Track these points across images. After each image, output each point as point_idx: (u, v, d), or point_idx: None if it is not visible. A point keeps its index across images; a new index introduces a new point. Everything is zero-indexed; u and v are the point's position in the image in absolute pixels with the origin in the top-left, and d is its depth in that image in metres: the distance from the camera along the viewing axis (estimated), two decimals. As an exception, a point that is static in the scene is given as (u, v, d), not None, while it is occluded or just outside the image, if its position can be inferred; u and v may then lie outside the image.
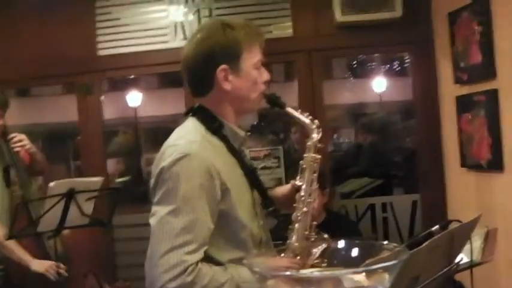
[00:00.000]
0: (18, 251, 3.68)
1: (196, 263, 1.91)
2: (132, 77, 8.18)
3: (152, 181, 2.02)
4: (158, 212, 1.94)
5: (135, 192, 8.29)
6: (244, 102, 2.12)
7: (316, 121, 2.18)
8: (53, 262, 3.63)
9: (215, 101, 2.11)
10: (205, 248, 1.95)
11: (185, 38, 4.85)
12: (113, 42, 5.02)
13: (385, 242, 0.84)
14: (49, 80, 5.33)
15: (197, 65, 2.07)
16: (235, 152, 2.12)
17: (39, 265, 3.69)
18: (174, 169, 1.93)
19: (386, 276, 0.74)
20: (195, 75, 2.11)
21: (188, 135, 2.04)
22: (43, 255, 3.71)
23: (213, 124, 2.10)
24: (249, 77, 2.09)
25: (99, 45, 5.02)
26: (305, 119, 2.17)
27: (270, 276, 0.77)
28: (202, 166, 1.94)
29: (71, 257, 3.92)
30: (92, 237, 4.11)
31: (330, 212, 4.17)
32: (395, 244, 0.82)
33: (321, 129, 2.18)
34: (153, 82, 12.54)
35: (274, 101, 2.18)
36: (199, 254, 1.93)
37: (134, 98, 11.82)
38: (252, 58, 2.09)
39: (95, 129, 5.09)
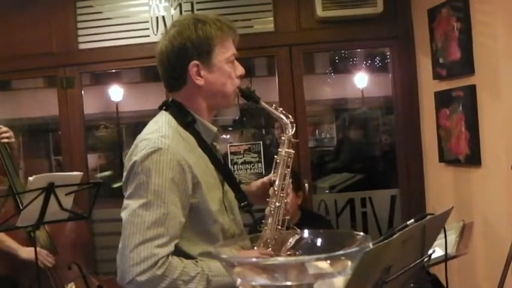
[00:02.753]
0: (6, 240, 3.70)
1: (167, 256, 1.92)
2: (114, 71, 8.14)
3: (124, 174, 2.04)
4: (130, 206, 1.95)
5: (116, 187, 8.28)
6: (217, 97, 2.14)
7: (290, 116, 2.20)
8: (41, 249, 3.63)
9: (188, 96, 2.12)
10: (176, 241, 1.96)
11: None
12: (94, 36, 5.00)
13: (348, 231, 0.86)
14: (30, 73, 5.29)
15: (170, 60, 2.09)
16: (207, 147, 2.13)
17: (27, 252, 3.73)
18: (146, 163, 1.94)
19: (349, 263, 0.76)
20: (168, 70, 2.12)
21: (160, 129, 2.05)
22: (31, 244, 3.71)
23: (185, 119, 2.11)
24: (222, 71, 2.10)
25: (80, 39, 5.00)
26: (279, 113, 2.19)
27: (236, 263, 0.78)
28: (173, 160, 1.95)
29: (56, 247, 3.95)
30: (76, 229, 4.14)
31: (304, 211, 4.19)
32: (355, 232, 0.83)
33: (295, 125, 2.20)
34: (135, 76, 12.48)
35: (248, 95, 2.20)
36: (170, 247, 1.94)
37: (116, 92, 11.76)
38: (224, 53, 2.10)
39: (76, 124, 5.07)
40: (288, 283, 0.75)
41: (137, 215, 1.92)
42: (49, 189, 3.51)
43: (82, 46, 5.01)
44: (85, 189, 4.12)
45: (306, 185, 4.52)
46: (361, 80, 11.32)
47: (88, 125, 5.48)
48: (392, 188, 5.10)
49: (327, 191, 5.68)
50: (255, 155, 4.81)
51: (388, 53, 5.20)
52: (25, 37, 4.96)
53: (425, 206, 4.76)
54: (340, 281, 0.77)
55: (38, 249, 3.67)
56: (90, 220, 4.44)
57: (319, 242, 0.88)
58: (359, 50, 9.89)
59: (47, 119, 10.78)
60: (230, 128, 8.87)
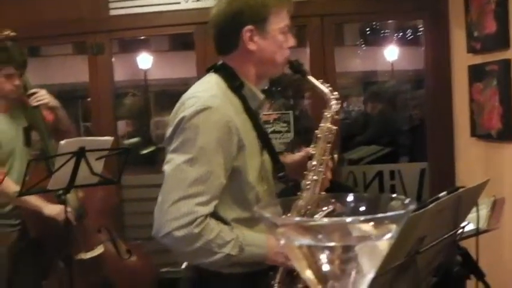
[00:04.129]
0: (31, 198, 3.74)
1: (206, 216, 1.94)
2: (143, 37, 8.15)
3: (169, 130, 2.04)
4: (174, 160, 1.97)
5: (144, 154, 8.34)
6: (267, 65, 2.14)
7: (335, 92, 2.19)
8: (63, 206, 3.68)
9: (239, 61, 2.13)
10: (215, 202, 1.98)
11: (197, 0, 4.83)
12: (124, 2, 4.99)
13: (392, 195, 0.85)
14: (60, 39, 5.32)
15: (224, 23, 2.10)
16: (252, 113, 2.14)
17: (51, 209, 3.77)
18: (194, 120, 1.95)
19: (394, 226, 0.76)
20: (221, 33, 2.13)
21: (211, 89, 2.07)
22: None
23: (234, 82, 2.12)
24: (275, 40, 2.11)
25: (111, 5, 4.99)
26: (325, 89, 2.18)
27: (279, 223, 0.78)
28: (222, 120, 1.96)
29: (86, 211, 4.01)
30: (107, 194, 4.18)
31: (333, 183, 4.16)
32: (401, 196, 0.83)
33: (340, 101, 2.19)
34: (164, 44, 12.49)
35: (297, 68, 2.20)
36: (210, 207, 1.96)
37: (145, 60, 11.79)
38: (279, 22, 2.10)
39: (106, 91, 5.09)
40: (332, 244, 0.74)
41: (181, 170, 1.94)
42: (80, 154, 3.55)
43: (112, 12, 5.00)
44: (114, 155, 4.15)
45: (336, 156, 4.50)
46: (391, 52, 11.22)
47: (116, 92, 5.49)
48: (422, 161, 5.06)
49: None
50: (285, 125, 4.81)
51: (420, 26, 5.13)
52: (55, 3, 4.97)
53: (454, 180, 4.72)
54: (383, 244, 0.76)
55: (60, 206, 3.70)
56: (119, 186, 4.47)
57: (360, 205, 0.87)
58: (390, 22, 9.76)
59: (76, 86, 10.83)
60: (264, 95, 8.82)
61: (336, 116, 2.21)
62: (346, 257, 0.77)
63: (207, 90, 2.06)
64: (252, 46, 2.09)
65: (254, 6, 2.06)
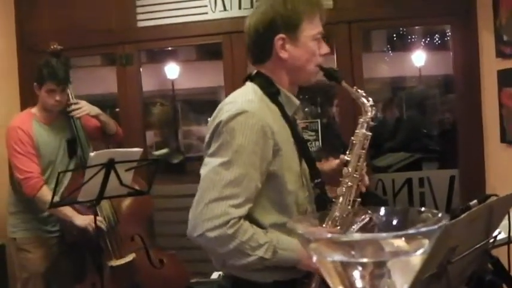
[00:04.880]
0: (63, 209, 3.83)
1: (239, 218, 1.96)
2: (170, 48, 8.20)
3: (208, 135, 2.08)
4: (210, 163, 2.01)
5: (174, 164, 8.38)
6: (300, 72, 2.16)
7: (370, 99, 2.19)
8: (92, 216, 3.75)
9: (272, 69, 2.16)
10: (250, 205, 1.99)
11: (224, 9, 4.84)
12: (152, 14, 5.03)
13: (422, 208, 0.85)
14: (88, 50, 5.37)
15: (257, 32, 2.13)
16: (289, 120, 2.15)
17: (81, 220, 3.86)
18: (231, 124, 1.98)
19: (427, 241, 0.75)
20: (254, 43, 2.16)
21: (247, 94, 2.10)
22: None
23: (270, 89, 2.14)
24: (307, 47, 2.12)
25: (139, 16, 5.04)
26: (360, 95, 2.18)
27: (312, 239, 0.78)
28: (258, 124, 1.98)
29: (119, 219, 4.05)
30: (141, 202, 4.22)
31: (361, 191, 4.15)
32: (433, 210, 0.82)
33: (375, 108, 2.19)
34: (190, 54, 12.54)
35: (332, 75, 2.20)
36: (244, 210, 1.97)
37: (172, 70, 11.85)
38: (311, 30, 2.12)
39: (134, 101, 5.13)
40: (365, 260, 0.74)
41: (216, 172, 1.96)
42: (109, 165, 3.59)
43: (140, 24, 5.05)
44: (143, 166, 4.18)
45: (364, 164, 4.49)
46: (419, 58, 11.13)
47: (144, 102, 5.53)
48: (451, 168, 5.01)
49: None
50: (313, 133, 4.79)
51: (448, 31, 5.09)
52: (84, 14, 5.03)
53: (484, 187, 4.66)
54: (416, 259, 0.76)
55: (90, 217, 3.79)
56: (148, 195, 4.50)
57: (392, 219, 0.87)
58: (417, 27, 9.69)
59: (104, 96, 10.92)
60: (299, 101, 8.81)
61: (372, 123, 2.21)
62: (378, 272, 0.77)
63: (244, 95, 2.09)
64: (283, 54, 2.10)
65: (285, 14, 2.08)
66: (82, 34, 5.00)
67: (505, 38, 4.14)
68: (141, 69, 5.21)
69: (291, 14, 2.08)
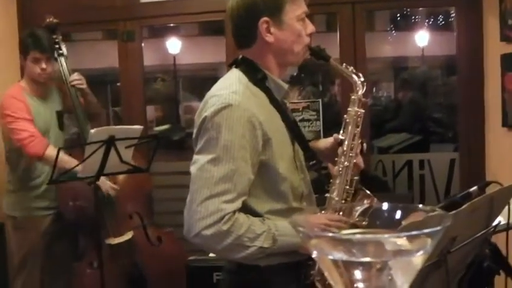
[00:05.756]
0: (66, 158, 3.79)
1: (234, 212, 1.94)
2: (172, 24, 8.16)
3: (195, 131, 2.06)
4: (199, 161, 1.98)
5: (174, 140, 8.36)
6: (287, 55, 2.12)
7: (361, 75, 2.17)
8: (105, 181, 3.87)
9: (258, 53, 2.11)
10: (243, 198, 1.98)
11: (227, -13, 4.81)
12: (155, -11, 4.99)
13: (420, 206, 0.84)
14: (91, 26, 5.35)
15: (240, 17, 2.08)
16: (278, 104, 2.13)
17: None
18: (216, 119, 1.95)
19: (429, 241, 0.75)
20: (238, 27, 2.11)
21: (231, 85, 2.05)
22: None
23: (256, 75, 2.10)
24: (292, 29, 2.08)
25: (142, -7, 5.00)
26: (350, 73, 2.16)
27: (313, 236, 0.77)
28: (244, 116, 1.95)
29: (117, 197, 4.05)
30: (139, 180, 4.22)
31: (362, 171, 4.14)
32: (431, 207, 0.82)
33: (365, 84, 2.17)
34: (192, 30, 12.48)
35: (319, 54, 2.17)
36: (237, 204, 1.96)
37: (174, 45, 11.79)
38: (295, 10, 2.08)
39: (136, 76, 5.10)
40: (367, 259, 0.74)
41: (206, 169, 1.94)
42: (109, 142, 3.58)
43: (143, 0, 5.01)
44: (144, 143, 4.18)
45: (364, 144, 4.48)
46: (422, 38, 11.08)
47: (145, 77, 5.50)
48: (452, 151, 5.00)
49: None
50: (314, 113, 4.77)
51: (452, 11, 5.04)
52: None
53: (485, 170, 4.66)
54: (418, 258, 0.76)
55: (102, 179, 3.83)
56: (148, 172, 4.50)
57: (395, 214, 0.86)
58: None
59: (105, 70, 10.89)
60: (288, 85, 8.82)
61: (363, 99, 2.19)
62: (379, 270, 0.76)
63: (228, 87, 2.04)
64: (269, 38, 2.06)
65: None
66: (84, 10, 4.96)
67: (509, 22, 4.10)
68: (142, 45, 5.18)
69: None
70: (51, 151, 3.79)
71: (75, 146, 3.99)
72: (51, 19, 4.15)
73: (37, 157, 3.85)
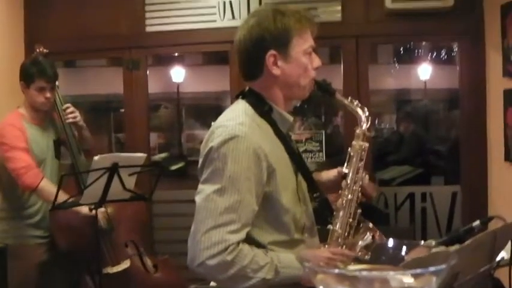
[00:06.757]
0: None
1: (238, 243, 1.94)
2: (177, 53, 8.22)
3: (200, 160, 2.06)
4: (204, 191, 1.98)
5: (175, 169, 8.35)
6: (293, 88, 2.13)
7: (365, 109, 2.19)
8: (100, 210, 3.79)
9: (265, 86, 2.12)
10: (248, 229, 1.98)
11: (233, 18, 4.86)
12: (161, 19, 5.03)
13: (422, 242, 0.85)
14: (96, 53, 5.40)
15: (248, 50, 2.09)
16: (283, 137, 2.14)
17: (86, 210, 3.76)
18: (222, 150, 1.96)
19: (434, 279, 0.75)
20: (245, 60, 2.13)
21: (238, 117, 2.06)
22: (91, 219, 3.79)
23: (262, 107, 2.12)
24: (299, 63, 2.09)
25: (148, 22, 5.04)
26: (355, 107, 2.18)
27: (320, 271, 0.78)
28: (250, 148, 1.96)
29: (114, 226, 4.03)
30: (136, 208, 4.21)
31: (362, 204, 4.14)
32: (434, 243, 0.83)
33: (370, 118, 2.19)
34: (197, 59, 12.55)
35: (325, 88, 2.18)
36: (241, 235, 1.96)
37: (178, 73, 11.85)
38: (302, 44, 2.09)
39: (140, 104, 5.13)
40: (371, 296, 0.75)
41: (211, 200, 1.95)
42: (113, 169, 3.59)
43: (149, 29, 5.05)
44: (146, 171, 4.18)
45: (367, 176, 4.49)
46: (424, 71, 11.13)
47: (149, 105, 5.53)
48: (454, 184, 5.00)
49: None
50: (317, 144, 4.79)
51: (455, 45, 5.08)
52: (93, 18, 5.04)
53: (487, 205, 4.66)
54: (422, 296, 0.76)
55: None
56: (150, 201, 4.50)
57: (398, 250, 0.87)
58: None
59: (109, 97, 10.96)
60: (293, 117, 8.78)
61: (368, 133, 2.21)
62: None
63: (234, 119, 2.05)
64: (276, 71, 2.07)
65: (275, 31, 2.04)
66: (90, 38, 5.01)
67: (512, 58, 4.15)
68: (147, 72, 5.22)
69: (280, 32, 2.04)
70: (44, 184, 3.78)
71: (77, 172, 3.98)
72: (41, 49, 4.12)
73: (30, 189, 3.80)
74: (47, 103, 3.96)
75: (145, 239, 4.57)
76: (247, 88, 2.19)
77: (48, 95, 3.92)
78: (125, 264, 4.04)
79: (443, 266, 0.74)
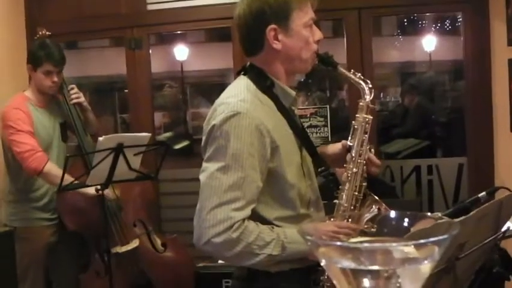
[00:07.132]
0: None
1: (243, 220, 1.95)
2: (179, 31, 8.18)
3: (203, 138, 2.06)
4: (208, 169, 1.99)
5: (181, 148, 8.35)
6: (295, 62, 2.12)
7: (368, 81, 2.18)
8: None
9: (266, 61, 2.12)
10: (253, 205, 1.99)
11: (234, -7, 4.83)
12: (162, -3, 5.00)
13: (429, 214, 0.84)
14: (98, 34, 5.37)
15: (248, 25, 2.08)
16: (285, 111, 2.13)
17: (93, 190, 3.78)
18: (225, 127, 1.96)
19: (436, 249, 0.75)
20: (246, 35, 2.12)
21: (240, 93, 2.06)
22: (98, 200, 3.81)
23: (264, 83, 2.11)
24: (300, 36, 2.08)
25: (149, 0, 5.01)
26: (358, 79, 2.17)
27: (322, 244, 0.78)
28: (252, 124, 1.96)
29: (122, 205, 4.05)
30: (143, 188, 4.22)
31: (368, 177, 4.14)
32: (440, 215, 0.82)
33: (373, 90, 2.18)
34: (200, 36, 12.49)
35: (327, 61, 2.17)
36: (247, 212, 1.97)
37: (181, 52, 11.80)
38: (302, 17, 2.08)
39: (144, 83, 5.12)
40: (375, 267, 0.74)
41: (215, 177, 1.95)
42: (118, 150, 3.60)
43: (150, 7, 5.02)
44: (151, 150, 4.19)
45: (372, 150, 4.48)
46: (429, 43, 11.04)
47: (153, 84, 5.52)
48: (460, 156, 4.98)
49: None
50: (321, 119, 4.77)
51: (459, 16, 5.04)
52: (95, -1, 5.02)
53: (493, 176, 4.64)
54: (426, 266, 0.76)
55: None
56: (156, 180, 4.50)
57: (402, 222, 0.86)
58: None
59: (113, 78, 10.92)
60: (295, 92, 8.78)
61: (371, 105, 2.20)
62: (387, 278, 0.76)
63: (236, 95, 2.05)
64: (277, 45, 2.06)
65: (275, 4, 2.03)
66: (91, 18, 4.99)
67: (517, 26, 4.11)
68: (150, 51, 5.19)
69: (280, 5, 2.03)
70: (49, 167, 3.80)
71: (83, 154, 3.99)
72: (43, 32, 4.12)
73: (35, 173, 3.83)
74: (54, 87, 3.98)
75: (153, 218, 4.59)
76: (248, 64, 2.18)
77: (55, 79, 3.93)
78: (134, 244, 4.07)
79: (444, 236, 0.73)
